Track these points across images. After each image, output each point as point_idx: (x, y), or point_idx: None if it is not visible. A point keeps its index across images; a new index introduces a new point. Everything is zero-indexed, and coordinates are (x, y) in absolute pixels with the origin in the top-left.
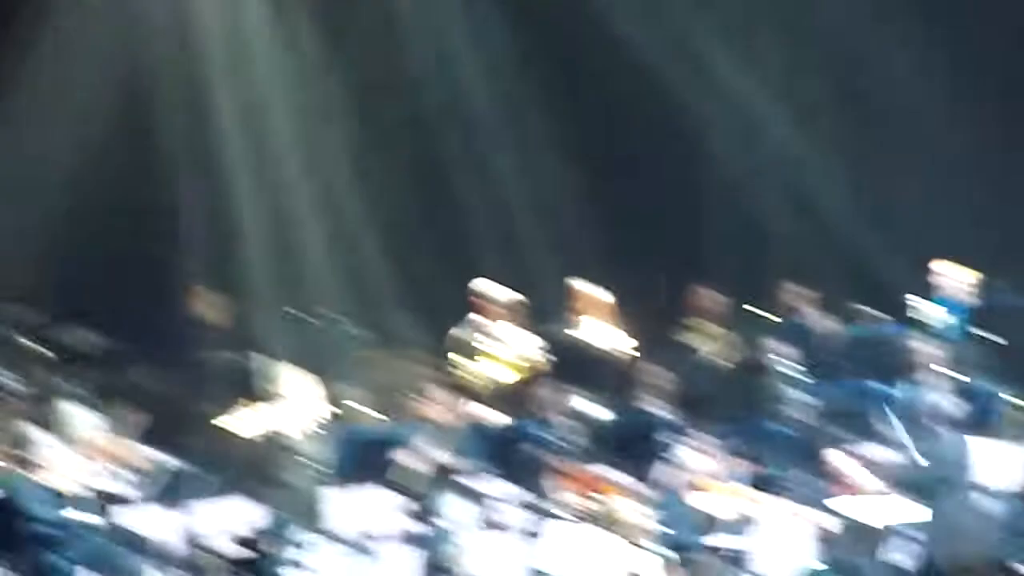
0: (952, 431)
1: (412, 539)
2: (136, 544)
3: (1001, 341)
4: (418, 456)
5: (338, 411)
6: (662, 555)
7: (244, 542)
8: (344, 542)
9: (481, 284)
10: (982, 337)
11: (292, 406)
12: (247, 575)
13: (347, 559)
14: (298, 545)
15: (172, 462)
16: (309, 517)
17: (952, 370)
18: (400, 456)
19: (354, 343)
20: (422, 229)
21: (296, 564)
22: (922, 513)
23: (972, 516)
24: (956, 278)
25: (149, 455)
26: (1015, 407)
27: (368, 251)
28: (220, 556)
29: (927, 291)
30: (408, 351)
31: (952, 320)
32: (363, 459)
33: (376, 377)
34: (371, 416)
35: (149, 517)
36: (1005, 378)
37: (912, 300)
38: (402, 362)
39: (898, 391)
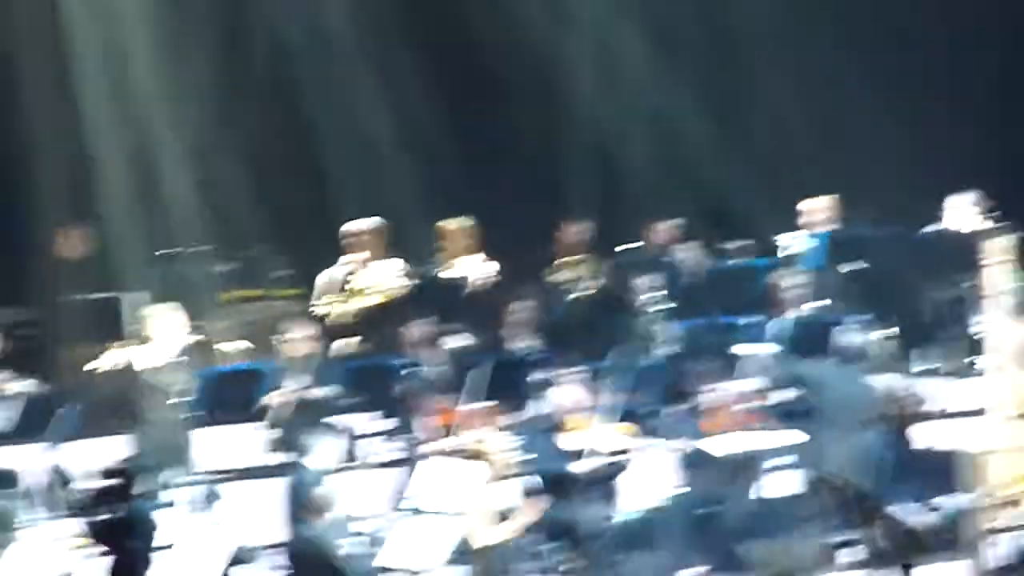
0: (819, 361)
1: (277, 475)
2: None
3: (861, 267)
4: (283, 392)
5: (203, 348)
6: (528, 488)
7: (108, 477)
8: (208, 479)
9: (350, 223)
10: (845, 267)
11: (157, 343)
12: (110, 511)
13: (211, 496)
14: (163, 483)
15: (34, 390)
16: (173, 454)
17: (816, 300)
18: (266, 392)
19: (219, 280)
20: (287, 165)
21: (160, 502)
22: (791, 443)
23: (840, 446)
24: (819, 209)
25: (10, 383)
26: (883, 337)
27: (233, 187)
28: (84, 492)
29: (792, 223)
30: (274, 288)
31: (815, 251)
32: (228, 395)
33: (242, 314)
34: (237, 353)
35: (14, 452)
36: (867, 307)
37: (777, 233)
38: (268, 299)
39: (763, 324)
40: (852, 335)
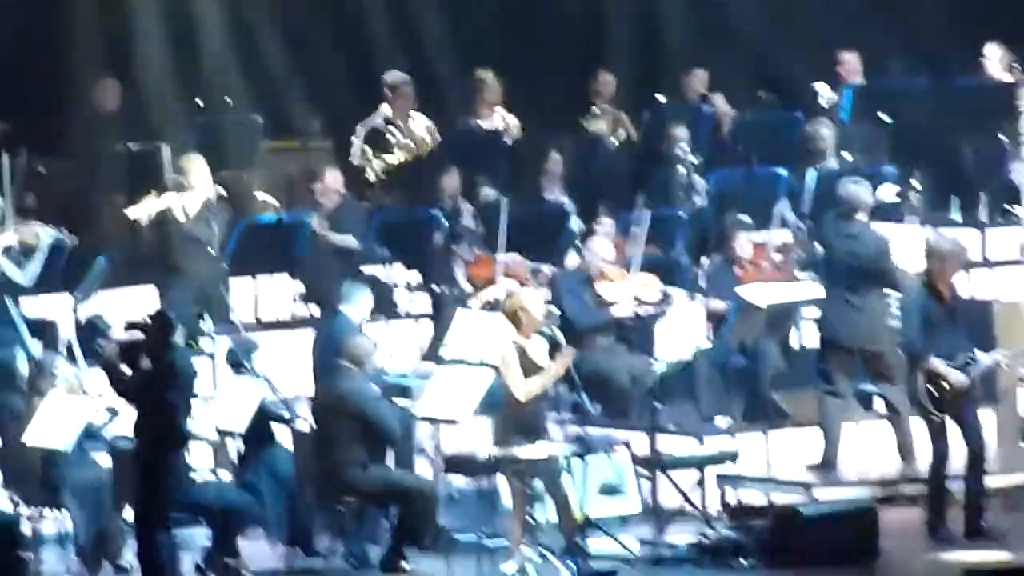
0: (854, 217)
1: (311, 326)
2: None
3: (895, 119)
4: (320, 242)
5: (241, 198)
6: (559, 339)
7: (144, 327)
8: (242, 328)
9: (389, 73)
10: (879, 120)
11: (196, 193)
12: (147, 362)
13: (247, 346)
14: (200, 332)
15: (71, 241)
16: (211, 304)
17: (849, 152)
18: (303, 242)
19: (257, 131)
20: (321, 17)
21: (197, 351)
22: (822, 296)
23: (873, 303)
24: (853, 60)
25: (43, 230)
26: (913, 189)
27: (268, 42)
28: (121, 342)
29: (826, 77)
30: (309, 141)
31: (847, 103)
32: (264, 246)
33: (279, 164)
34: (272, 205)
35: (50, 303)
36: (902, 159)
37: (812, 85)
38: (305, 150)
39: (799, 176)
40: (883, 189)
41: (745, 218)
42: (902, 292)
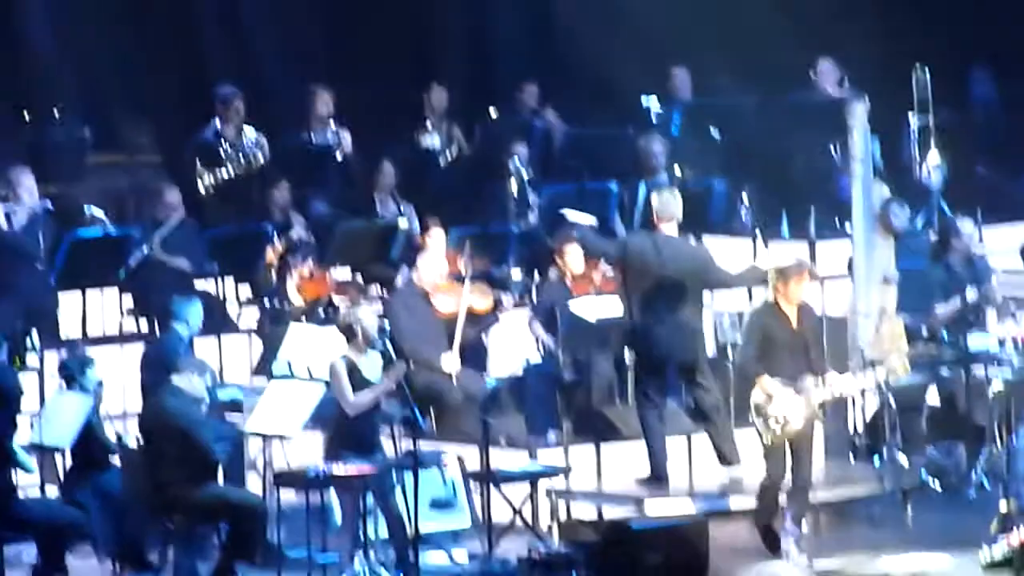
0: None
1: (140, 340)
2: None
3: (727, 133)
4: (151, 257)
5: (67, 213)
6: (391, 354)
7: None
8: (73, 344)
9: (222, 87)
10: (709, 134)
11: (23, 206)
12: None
13: (76, 361)
14: (24, 347)
15: None
16: (35, 318)
17: (680, 167)
18: (132, 257)
19: (84, 146)
20: (154, 27)
21: (20, 366)
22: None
23: (687, 314)
24: (683, 78)
25: None
26: (743, 203)
27: (97, 54)
28: None
29: (657, 92)
30: (138, 155)
31: (679, 117)
32: (93, 260)
33: (109, 181)
34: (100, 219)
35: None
36: (729, 175)
37: (643, 100)
38: (132, 165)
39: (630, 190)
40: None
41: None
42: (734, 305)
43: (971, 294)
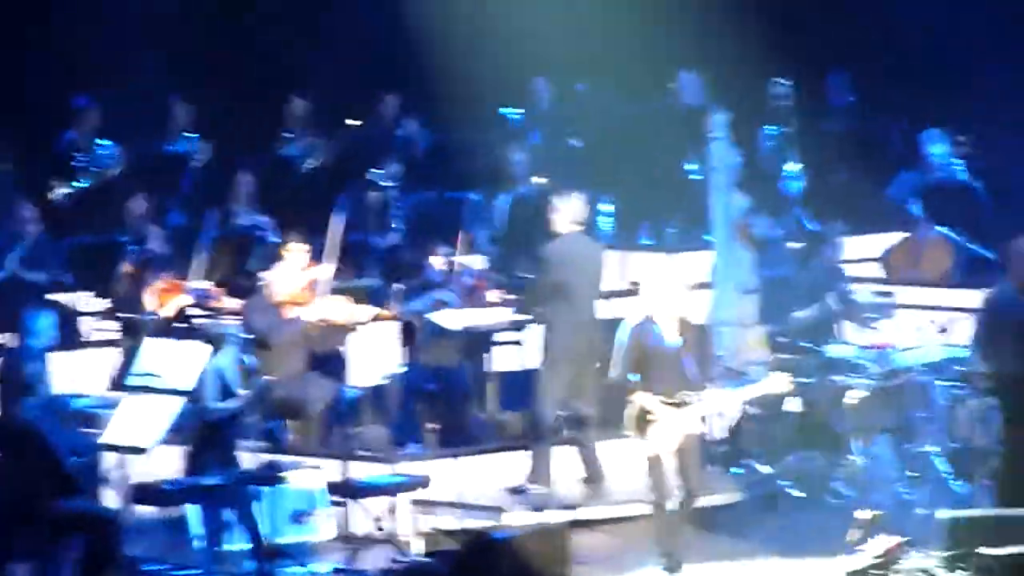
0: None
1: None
2: None
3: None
4: (11, 276)
5: None
6: (249, 366)
7: None
8: None
9: (77, 98)
10: (570, 144)
11: None
12: None
13: None
14: None
15: None
16: None
17: (541, 175)
18: None
19: None
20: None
21: None
22: (519, 319)
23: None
24: (542, 89)
25: None
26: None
27: None
28: None
29: (518, 102)
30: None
31: (541, 129)
32: None
33: None
34: None
35: None
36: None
37: (503, 110)
38: None
39: (489, 199)
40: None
41: (441, 241)
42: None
43: (832, 302)
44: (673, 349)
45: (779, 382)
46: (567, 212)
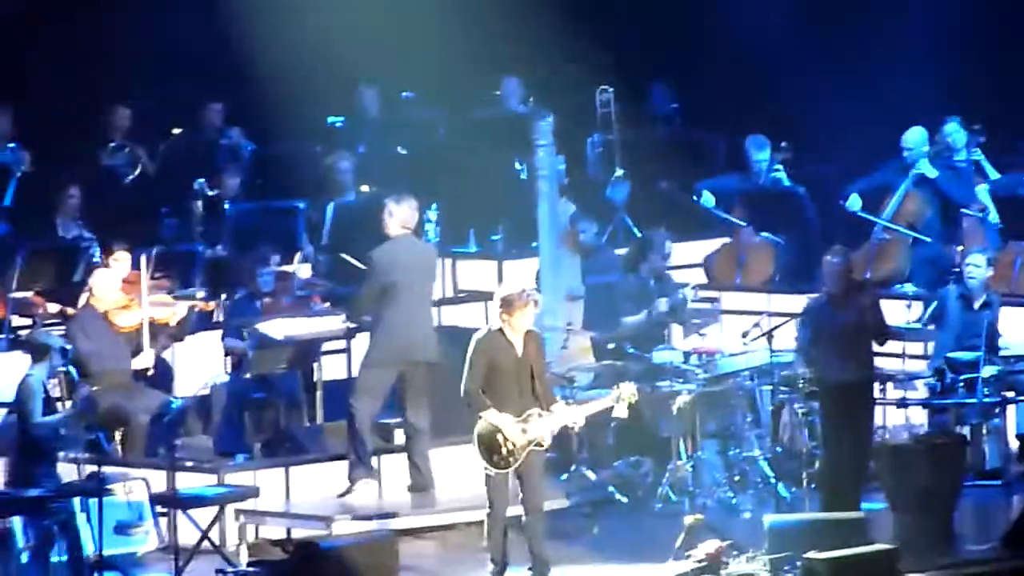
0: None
1: None
2: None
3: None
4: None
5: None
6: (74, 376)
7: None
8: None
9: None
10: (397, 152)
11: None
12: None
13: None
14: None
15: None
16: None
17: (368, 185)
18: None
19: None
20: None
21: None
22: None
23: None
24: (372, 98)
25: None
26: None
27: None
28: None
29: (344, 108)
30: None
31: (368, 137)
32: None
33: None
34: None
35: None
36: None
37: (330, 119)
38: None
39: (318, 208)
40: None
41: (268, 250)
42: None
43: (661, 308)
44: (521, 363)
45: (627, 392)
46: (399, 215)
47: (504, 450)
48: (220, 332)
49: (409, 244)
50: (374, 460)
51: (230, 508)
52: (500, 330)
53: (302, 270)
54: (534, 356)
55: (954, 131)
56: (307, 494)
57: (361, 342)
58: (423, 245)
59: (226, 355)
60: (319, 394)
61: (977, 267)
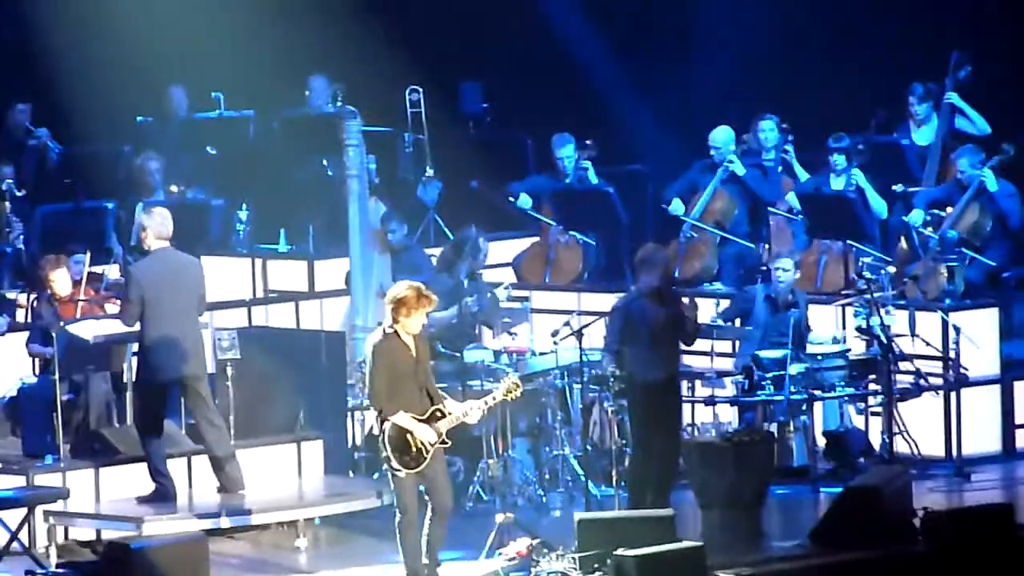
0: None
1: None
2: None
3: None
4: None
5: None
6: None
7: None
8: None
9: None
10: (207, 152)
11: None
12: None
13: None
14: None
15: None
16: None
17: (178, 185)
18: None
19: None
20: None
21: None
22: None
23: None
24: (179, 98)
25: None
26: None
27: None
28: None
29: (153, 108)
30: None
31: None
32: None
33: None
34: None
35: None
36: (227, 192)
37: (140, 119)
38: None
39: (128, 209)
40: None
41: (69, 251)
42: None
43: (469, 307)
44: (418, 364)
45: (513, 383)
46: (153, 228)
47: (414, 450)
48: (27, 334)
49: (169, 257)
50: (184, 460)
51: (39, 510)
52: (395, 332)
53: (111, 271)
54: (424, 356)
55: (768, 129)
56: (117, 495)
57: None
58: (185, 258)
59: (30, 354)
60: (128, 395)
61: (786, 271)
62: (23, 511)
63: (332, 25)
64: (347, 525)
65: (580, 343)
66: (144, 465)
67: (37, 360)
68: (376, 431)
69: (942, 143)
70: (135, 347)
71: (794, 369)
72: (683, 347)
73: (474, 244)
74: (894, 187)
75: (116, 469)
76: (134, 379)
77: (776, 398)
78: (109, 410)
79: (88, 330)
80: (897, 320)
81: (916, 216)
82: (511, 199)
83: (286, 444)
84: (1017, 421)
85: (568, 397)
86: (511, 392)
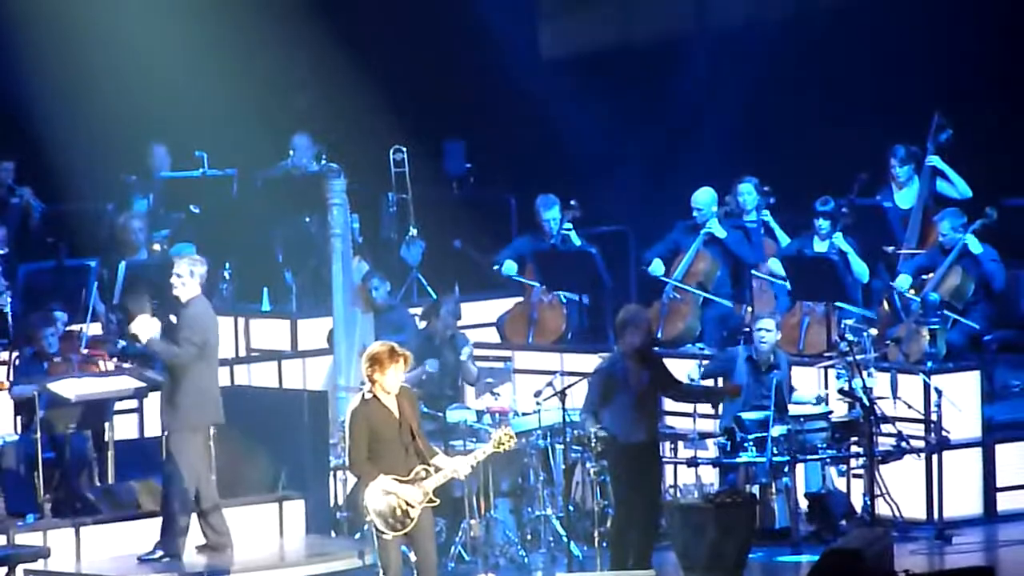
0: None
1: None
2: None
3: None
4: None
5: None
6: None
7: None
8: None
9: None
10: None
11: None
12: None
13: None
14: None
15: None
16: None
17: (159, 244)
18: None
19: None
20: None
21: None
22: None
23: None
24: (162, 157)
25: None
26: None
27: None
28: None
29: (136, 166)
30: None
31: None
32: None
33: None
34: None
35: None
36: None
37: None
38: None
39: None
40: None
41: (56, 310)
42: None
43: (428, 368)
44: (401, 425)
45: (505, 436)
46: (199, 274)
47: (399, 511)
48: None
49: (208, 305)
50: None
51: (19, 569)
52: (374, 396)
53: (92, 328)
54: (410, 414)
55: (747, 192)
56: (98, 554)
57: (152, 401)
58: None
59: (15, 405)
60: (110, 454)
61: (768, 331)
62: (3, 570)
63: (316, 84)
64: None
65: (563, 403)
66: (125, 525)
67: (19, 419)
68: (359, 494)
69: (924, 206)
70: (118, 406)
71: (776, 431)
72: (676, 400)
73: (446, 306)
74: (885, 248)
75: (97, 528)
76: (175, 423)
77: (758, 460)
78: (91, 469)
79: (70, 389)
80: (879, 382)
81: (903, 281)
82: (496, 267)
83: (268, 503)
84: (998, 484)
85: (551, 457)
86: (503, 444)
